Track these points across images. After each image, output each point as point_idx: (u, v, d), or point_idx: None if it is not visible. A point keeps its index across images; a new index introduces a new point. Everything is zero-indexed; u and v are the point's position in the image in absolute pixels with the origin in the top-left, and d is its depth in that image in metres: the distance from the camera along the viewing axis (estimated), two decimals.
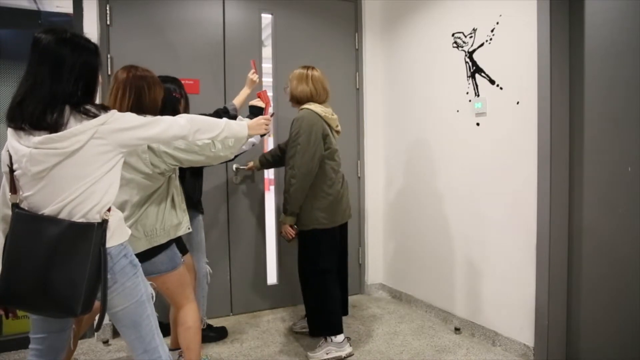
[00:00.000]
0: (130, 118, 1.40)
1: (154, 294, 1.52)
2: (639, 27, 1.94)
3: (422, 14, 3.13)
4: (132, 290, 1.42)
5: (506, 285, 2.53)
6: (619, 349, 2.06)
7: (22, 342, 2.63)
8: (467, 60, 2.72)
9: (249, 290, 3.23)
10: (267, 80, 3.30)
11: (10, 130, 1.32)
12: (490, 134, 2.59)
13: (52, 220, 1.29)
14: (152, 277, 1.76)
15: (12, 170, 1.35)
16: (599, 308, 2.15)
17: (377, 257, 3.62)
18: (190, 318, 1.95)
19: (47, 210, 1.31)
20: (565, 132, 2.25)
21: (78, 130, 1.28)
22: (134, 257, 1.46)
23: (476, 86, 2.67)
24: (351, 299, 3.48)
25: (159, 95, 1.85)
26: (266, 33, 3.42)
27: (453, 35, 2.83)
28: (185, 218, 1.94)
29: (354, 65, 3.54)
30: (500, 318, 2.58)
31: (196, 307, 1.99)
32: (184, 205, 1.95)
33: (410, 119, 3.28)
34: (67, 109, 1.30)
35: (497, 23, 2.51)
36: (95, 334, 2.76)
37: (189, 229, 1.95)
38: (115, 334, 2.83)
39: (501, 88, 2.51)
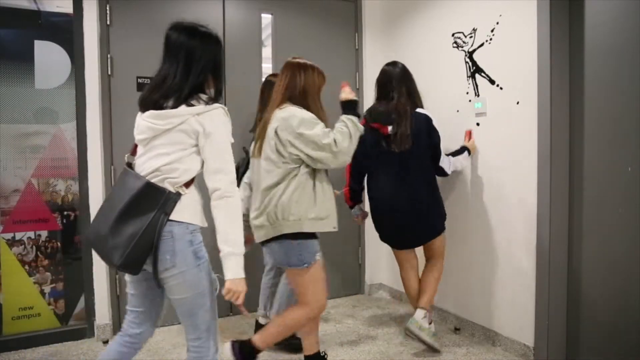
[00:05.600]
0: (218, 126, 1.47)
1: (217, 287, 1.55)
2: (639, 27, 1.94)
3: (422, 14, 3.13)
4: (192, 284, 1.47)
5: (506, 285, 2.53)
6: (619, 349, 2.06)
7: (22, 342, 2.63)
8: (467, 60, 2.72)
9: (249, 290, 3.22)
10: None
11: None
12: (490, 134, 2.59)
13: (137, 176, 1.46)
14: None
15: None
16: (599, 308, 2.15)
17: (377, 257, 3.62)
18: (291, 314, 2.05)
19: (142, 173, 1.48)
20: (565, 132, 2.25)
21: (173, 114, 1.44)
22: (201, 249, 1.50)
23: (476, 86, 2.67)
24: (351, 299, 3.49)
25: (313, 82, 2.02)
26: (266, 33, 3.42)
27: (453, 35, 2.83)
28: (332, 215, 1.99)
29: (354, 65, 3.54)
30: (500, 318, 2.58)
31: (305, 311, 2.03)
32: (329, 203, 1.99)
33: None
34: (184, 96, 1.46)
35: (497, 23, 2.51)
36: (95, 334, 2.76)
37: (334, 228, 1.99)
38: (115, 333, 2.82)
39: (501, 88, 2.51)
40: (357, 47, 3.55)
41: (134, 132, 1.55)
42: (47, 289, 2.69)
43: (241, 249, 1.49)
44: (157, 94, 1.47)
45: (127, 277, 1.59)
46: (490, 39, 2.56)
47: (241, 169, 2.52)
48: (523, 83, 2.37)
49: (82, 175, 2.73)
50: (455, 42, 2.81)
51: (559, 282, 2.28)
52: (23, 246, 2.63)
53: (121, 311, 2.86)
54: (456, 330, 2.82)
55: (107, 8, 2.76)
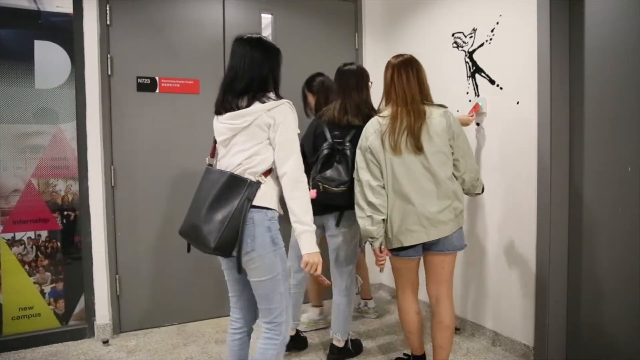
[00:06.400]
0: (285, 118, 1.62)
1: (291, 275, 1.71)
2: (639, 27, 1.94)
3: (422, 14, 3.13)
4: (269, 267, 1.64)
5: (506, 285, 2.53)
6: (619, 349, 2.06)
7: (22, 342, 2.63)
8: (467, 60, 2.72)
9: None
10: None
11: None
12: (490, 134, 2.59)
13: (222, 172, 1.67)
14: (442, 254, 2.02)
15: (215, 142, 1.80)
16: (599, 308, 2.15)
17: None
18: (448, 317, 2.06)
19: (227, 169, 1.67)
20: (565, 132, 2.25)
21: (247, 112, 1.63)
22: (278, 236, 1.66)
23: (476, 86, 2.67)
24: None
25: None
26: (266, 33, 3.42)
27: (453, 35, 2.83)
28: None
29: None
30: (500, 318, 2.58)
31: (453, 304, 2.09)
32: None
33: None
34: (254, 96, 1.65)
35: (497, 23, 2.51)
36: (95, 334, 2.76)
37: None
38: (115, 333, 2.83)
39: (501, 88, 2.51)
40: (357, 47, 3.55)
41: (215, 135, 1.76)
42: (47, 289, 2.69)
43: (313, 226, 1.63)
44: (230, 97, 1.67)
45: (222, 265, 1.80)
46: (490, 39, 2.56)
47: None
48: (523, 83, 2.37)
49: (82, 175, 2.73)
50: (455, 42, 2.81)
51: (559, 282, 2.28)
52: (23, 246, 2.64)
53: (121, 311, 2.86)
54: (456, 330, 2.82)
55: (107, 8, 2.76)
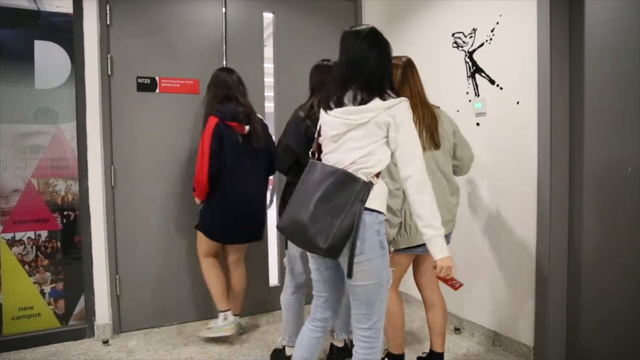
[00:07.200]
0: (405, 117, 1.54)
1: (390, 280, 1.64)
2: (639, 27, 1.94)
3: (422, 14, 3.13)
4: (376, 271, 1.55)
5: (506, 285, 2.53)
6: (619, 348, 2.06)
7: (22, 342, 2.63)
8: (467, 60, 2.72)
9: (251, 291, 3.22)
10: (268, 81, 3.29)
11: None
12: (490, 134, 2.59)
13: (332, 168, 1.57)
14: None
15: (319, 135, 1.71)
16: (599, 308, 2.15)
17: None
18: (444, 302, 2.22)
19: (337, 166, 1.57)
20: (565, 132, 2.25)
21: (367, 109, 1.53)
22: (385, 240, 1.58)
23: (476, 86, 2.67)
24: None
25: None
26: (267, 32, 3.42)
27: (453, 35, 2.83)
28: None
29: None
30: (500, 318, 2.58)
31: None
32: None
33: None
34: (372, 92, 1.55)
35: (497, 23, 2.51)
36: (95, 334, 2.76)
37: None
38: (115, 333, 2.83)
39: (501, 88, 2.51)
40: None
41: (324, 130, 1.65)
42: (47, 289, 2.69)
43: (442, 230, 1.56)
44: (343, 92, 1.59)
45: (312, 265, 1.72)
46: (490, 39, 2.56)
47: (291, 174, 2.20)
48: (523, 83, 2.37)
49: (82, 175, 2.73)
50: (455, 42, 2.81)
51: (559, 282, 2.28)
52: (23, 246, 2.64)
53: (121, 311, 2.86)
54: (456, 330, 2.82)
55: (107, 8, 2.76)
